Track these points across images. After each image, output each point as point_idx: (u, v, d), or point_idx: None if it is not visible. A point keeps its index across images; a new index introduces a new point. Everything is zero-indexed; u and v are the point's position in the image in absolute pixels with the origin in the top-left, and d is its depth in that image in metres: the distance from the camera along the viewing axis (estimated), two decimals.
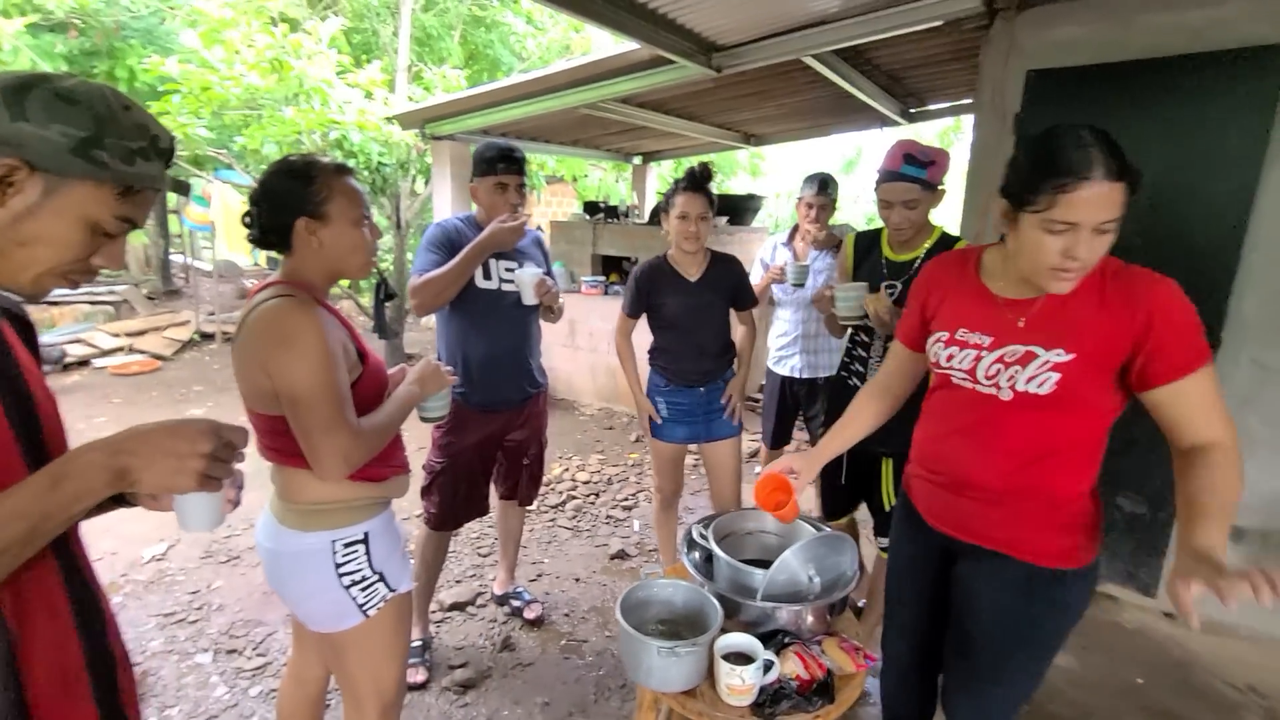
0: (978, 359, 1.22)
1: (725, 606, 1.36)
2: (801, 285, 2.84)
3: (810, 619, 1.39)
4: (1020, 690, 1.31)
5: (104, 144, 0.69)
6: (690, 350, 2.30)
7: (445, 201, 5.05)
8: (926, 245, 1.84)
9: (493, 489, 2.36)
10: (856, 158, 14.12)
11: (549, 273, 2.19)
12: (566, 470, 3.93)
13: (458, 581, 2.75)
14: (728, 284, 2.29)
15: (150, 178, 0.74)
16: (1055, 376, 1.13)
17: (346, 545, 1.27)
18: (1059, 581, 1.21)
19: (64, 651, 0.73)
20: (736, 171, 11.05)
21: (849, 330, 2.01)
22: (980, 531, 1.26)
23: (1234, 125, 2.15)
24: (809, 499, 3.51)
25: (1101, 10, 2.35)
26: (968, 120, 9.31)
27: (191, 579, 2.72)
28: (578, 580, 2.83)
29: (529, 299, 2.05)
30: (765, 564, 1.50)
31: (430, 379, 1.42)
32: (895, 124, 5.20)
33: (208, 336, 7.17)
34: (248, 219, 1.25)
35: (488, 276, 2.09)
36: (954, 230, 2.00)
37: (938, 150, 1.74)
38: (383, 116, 4.59)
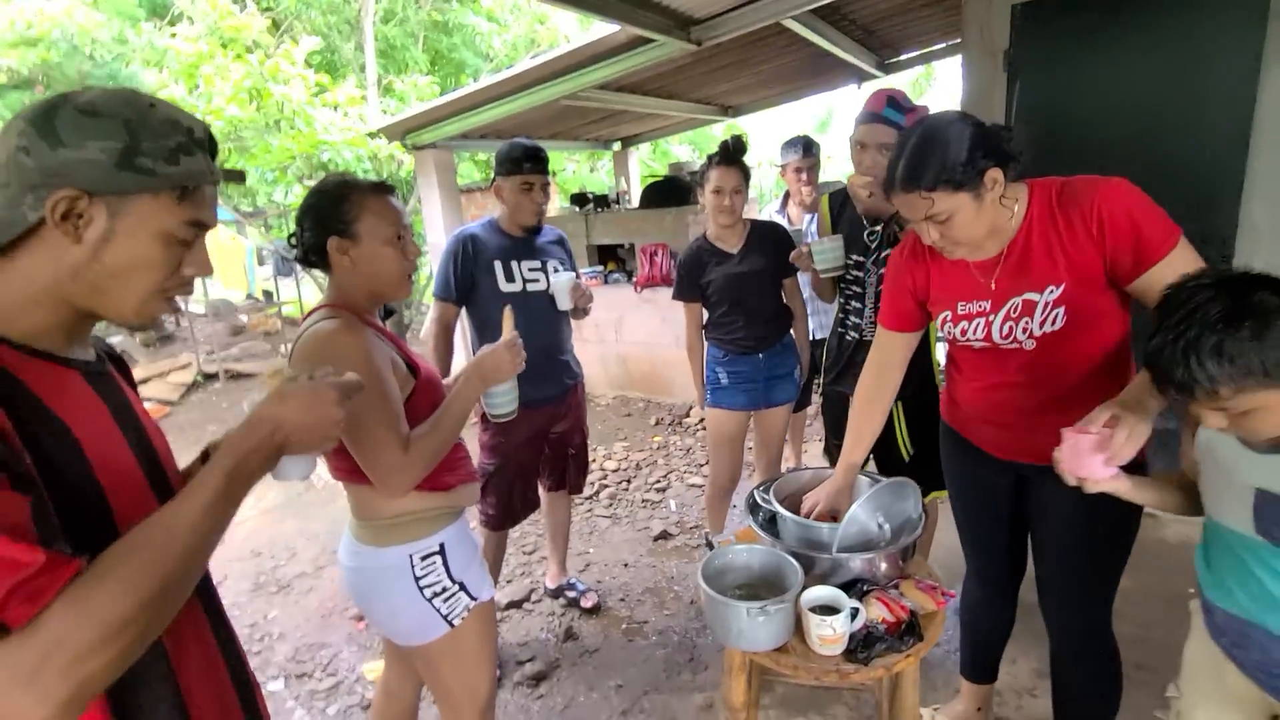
0: (988, 325, 1.30)
1: (801, 563, 1.39)
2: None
3: (884, 565, 1.42)
4: (1105, 588, 1.41)
5: (143, 149, 0.66)
6: (743, 319, 2.31)
7: (435, 209, 5.02)
8: None
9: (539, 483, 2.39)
10: (828, 118, 14.11)
11: (577, 272, 2.20)
12: (594, 460, 3.96)
13: (508, 581, 2.77)
14: (772, 251, 2.28)
15: (200, 173, 0.71)
16: (1061, 310, 1.21)
17: (424, 558, 1.28)
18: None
19: (215, 671, 0.75)
20: (712, 145, 11.02)
21: (840, 288, 2.06)
22: (1043, 453, 1.30)
23: (1228, 36, 2.16)
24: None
25: None
26: (939, 66, 9.31)
27: (246, 612, 2.74)
28: (626, 565, 2.87)
29: (564, 304, 2.07)
30: (830, 520, 1.54)
31: (490, 368, 1.35)
32: (872, 77, 5.19)
33: (211, 377, 7.12)
34: (292, 239, 1.25)
35: (510, 279, 2.09)
36: None
37: (920, 105, 1.79)
38: (365, 131, 4.56)
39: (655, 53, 3.31)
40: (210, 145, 0.74)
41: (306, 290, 8.75)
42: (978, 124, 1.20)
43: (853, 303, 2.05)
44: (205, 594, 0.78)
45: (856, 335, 2.04)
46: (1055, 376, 1.28)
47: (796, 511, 1.53)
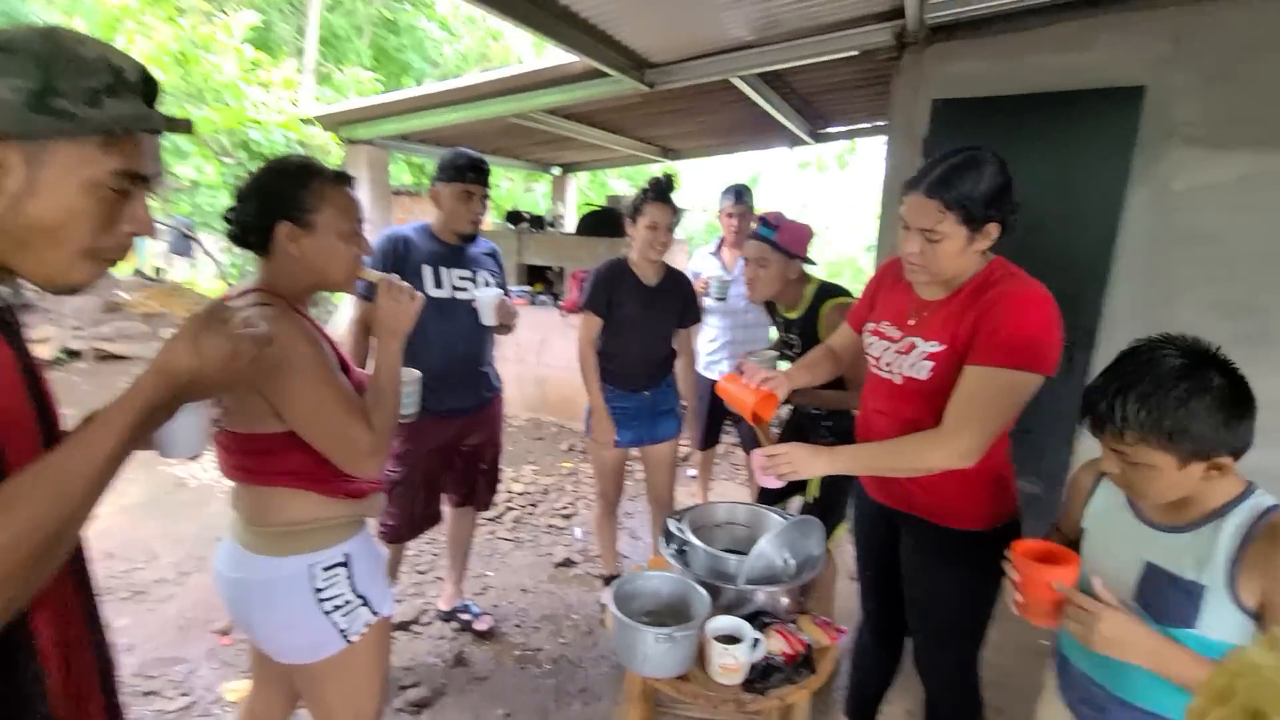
0: (885, 349, 1.41)
1: (708, 592, 1.41)
2: (724, 299, 2.97)
3: (786, 600, 1.47)
4: (967, 646, 1.48)
5: (59, 89, 0.59)
6: (638, 355, 2.37)
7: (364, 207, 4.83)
8: (804, 306, 2.06)
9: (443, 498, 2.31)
10: (756, 177, 14.85)
11: (506, 289, 2.18)
12: (500, 481, 3.85)
13: (398, 601, 2.63)
14: (679, 296, 2.39)
15: (131, 118, 0.63)
16: (929, 365, 1.31)
17: (326, 569, 1.20)
18: (976, 543, 1.37)
19: (78, 635, 0.69)
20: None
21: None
22: (905, 500, 1.45)
23: (1103, 153, 2.51)
24: (746, 498, 3.66)
25: (996, 48, 2.67)
26: (862, 143, 10.10)
27: None
28: (525, 591, 2.79)
29: (489, 319, 2.04)
30: (738, 553, 1.59)
31: (391, 317, 1.25)
32: (803, 143, 5.56)
33: (75, 354, 6.39)
34: (230, 214, 1.17)
35: (439, 284, 2.06)
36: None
37: (795, 222, 2.01)
38: (301, 116, 4.34)
39: (608, 88, 3.41)
40: (148, 89, 0.68)
41: (202, 272, 8.10)
42: (1009, 180, 1.25)
43: (787, 352, 2.19)
44: (75, 563, 0.71)
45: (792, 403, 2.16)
46: (909, 420, 1.36)
47: (708, 545, 1.57)
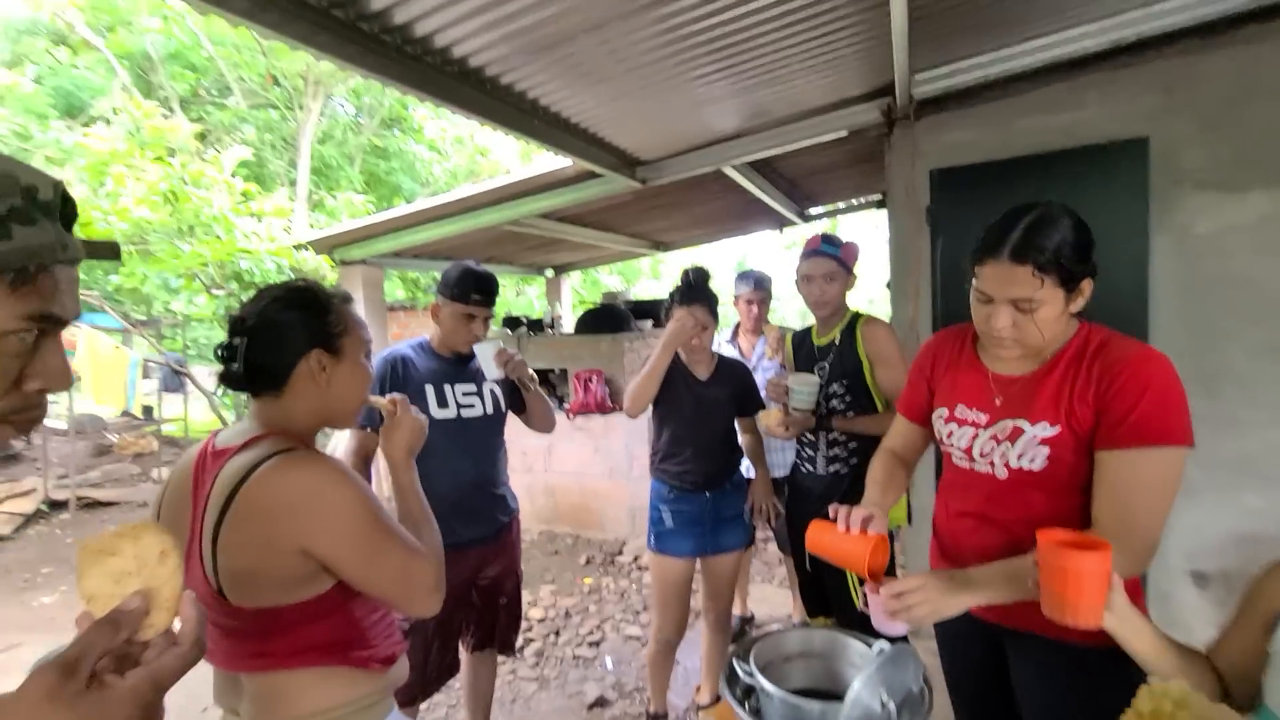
0: (974, 437, 1.21)
1: None
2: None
3: None
4: None
5: None
6: (697, 450, 2.17)
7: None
8: (841, 326, 2.02)
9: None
10: (744, 260, 15.23)
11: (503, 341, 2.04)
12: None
13: None
14: (735, 387, 2.23)
15: (42, 248, 0.51)
16: (1045, 451, 1.13)
17: None
18: (1101, 661, 1.15)
19: None
20: (640, 276, 11.50)
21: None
22: (1014, 614, 1.21)
23: (1117, 206, 2.44)
24: (787, 602, 3.34)
25: (985, 118, 2.67)
26: (845, 220, 10.38)
27: None
28: None
29: (493, 373, 1.91)
30: (817, 693, 1.33)
31: (405, 442, 1.17)
32: (791, 224, 5.62)
33: (59, 505, 6.09)
34: (226, 352, 1.02)
35: (443, 404, 1.90)
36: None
37: (849, 242, 2.02)
38: (293, 243, 4.34)
39: (601, 188, 3.42)
40: (67, 211, 0.55)
41: (195, 408, 7.93)
42: (1088, 229, 1.11)
43: (807, 440, 2.10)
44: None
45: (810, 469, 2.08)
46: (1018, 521, 1.17)
47: (781, 685, 1.31)
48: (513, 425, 2.24)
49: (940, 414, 1.30)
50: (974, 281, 1.14)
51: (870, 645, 1.39)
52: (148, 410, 7.68)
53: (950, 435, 1.26)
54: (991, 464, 1.19)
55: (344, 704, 0.98)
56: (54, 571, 4.60)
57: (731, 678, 1.39)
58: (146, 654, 0.54)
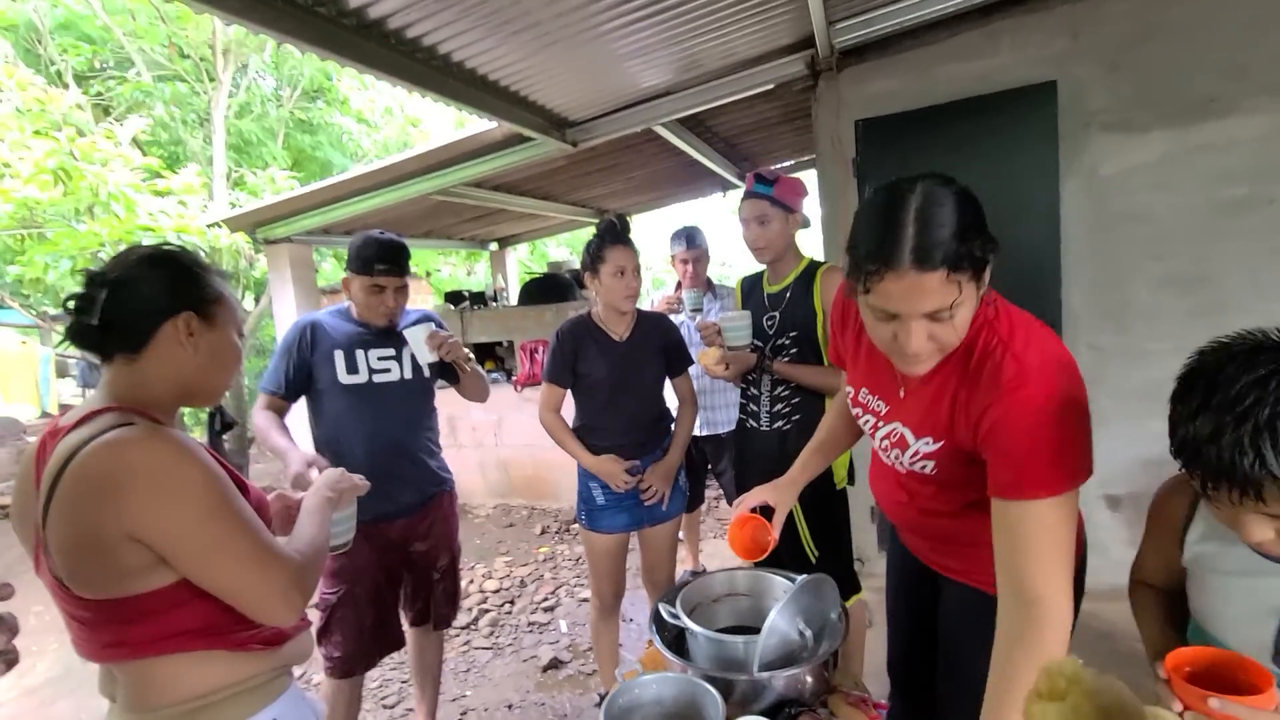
0: (875, 427, 1.19)
1: (718, 688, 1.18)
2: (699, 310, 2.83)
3: (810, 680, 1.24)
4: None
5: None
6: (622, 421, 2.01)
7: (289, 309, 4.57)
8: (796, 273, 1.90)
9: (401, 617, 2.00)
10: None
11: (441, 324, 1.94)
12: (472, 581, 3.51)
13: None
14: (659, 343, 2.07)
15: None
16: (931, 463, 1.08)
17: None
18: None
19: None
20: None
21: (742, 382, 2.02)
22: (940, 562, 1.27)
23: (1029, 149, 2.51)
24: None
25: (905, 66, 2.69)
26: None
27: None
28: (511, 707, 2.45)
29: (425, 357, 1.83)
30: (743, 629, 1.36)
31: (347, 489, 1.20)
32: (734, 186, 5.62)
33: None
34: (80, 302, 0.93)
35: (353, 369, 1.83)
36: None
37: (788, 177, 1.86)
38: (206, 222, 4.10)
39: (531, 151, 3.32)
40: None
41: None
42: (972, 193, 0.94)
43: (750, 390, 2.01)
44: None
45: (755, 424, 1.99)
46: (922, 504, 1.19)
47: (708, 626, 1.34)
48: (459, 403, 2.16)
49: (847, 393, 1.27)
50: (864, 297, 0.94)
51: (794, 581, 1.43)
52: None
53: (858, 417, 1.24)
54: (890, 457, 1.17)
55: (225, 686, 0.93)
56: None
57: (660, 623, 1.41)
58: None
